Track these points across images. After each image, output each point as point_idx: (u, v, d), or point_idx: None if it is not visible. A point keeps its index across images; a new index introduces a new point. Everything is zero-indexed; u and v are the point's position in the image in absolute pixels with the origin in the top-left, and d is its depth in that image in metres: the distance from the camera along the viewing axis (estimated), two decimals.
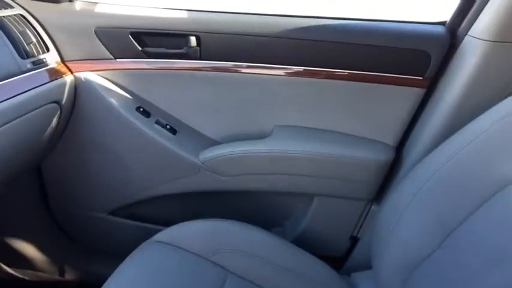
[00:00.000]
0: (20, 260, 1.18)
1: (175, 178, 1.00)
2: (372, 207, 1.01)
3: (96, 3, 0.93)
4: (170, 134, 0.96)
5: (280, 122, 0.96)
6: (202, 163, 0.96)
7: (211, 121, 0.99)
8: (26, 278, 1.22)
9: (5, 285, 1.20)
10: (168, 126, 0.96)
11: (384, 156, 0.91)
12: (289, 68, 0.90)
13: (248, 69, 0.90)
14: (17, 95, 0.77)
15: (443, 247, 0.65)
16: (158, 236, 0.87)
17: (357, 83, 0.87)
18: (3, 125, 0.75)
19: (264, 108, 0.95)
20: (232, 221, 0.90)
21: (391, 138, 0.93)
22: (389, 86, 0.87)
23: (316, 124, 0.95)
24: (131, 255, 0.82)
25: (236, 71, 0.91)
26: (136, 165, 1.00)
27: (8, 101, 0.75)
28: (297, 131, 0.95)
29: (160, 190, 1.03)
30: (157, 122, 0.96)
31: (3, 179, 0.91)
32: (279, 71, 0.90)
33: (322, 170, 0.93)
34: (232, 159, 0.94)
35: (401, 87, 0.87)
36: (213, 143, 1.00)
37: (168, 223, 1.05)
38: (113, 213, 1.11)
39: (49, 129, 0.91)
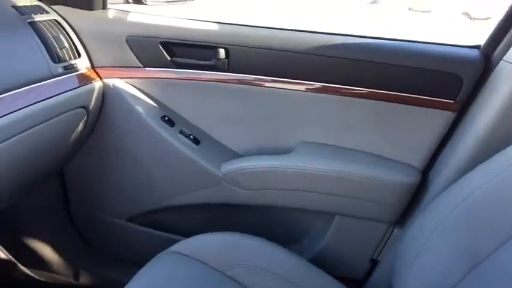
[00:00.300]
0: (37, 261, 1.19)
1: (195, 188, 0.99)
2: (395, 230, 0.98)
3: (129, 12, 0.94)
4: (193, 144, 0.96)
5: (305, 138, 0.95)
6: (224, 175, 0.96)
7: (235, 133, 0.98)
8: (42, 279, 1.22)
9: (21, 285, 1.21)
10: (191, 136, 0.96)
11: (409, 179, 0.89)
12: (317, 85, 0.89)
13: (275, 84, 0.90)
14: (47, 98, 0.78)
15: (470, 277, 0.62)
16: (176, 247, 0.86)
17: (387, 103, 0.86)
18: (32, 128, 0.76)
19: (289, 124, 0.94)
20: (251, 236, 0.89)
21: (418, 160, 0.91)
22: (419, 107, 0.85)
23: (342, 142, 0.93)
24: (148, 264, 0.82)
25: (263, 85, 0.90)
26: (158, 174, 1.00)
27: (38, 103, 0.76)
28: (322, 148, 0.93)
29: (180, 200, 1.02)
30: (181, 132, 0.96)
31: (28, 181, 0.92)
32: (306, 86, 0.89)
33: (346, 189, 0.92)
34: (254, 173, 0.94)
35: (431, 109, 0.85)
36: (236, 155, 0.99)
37: (185, 233, 1.05)
38: (131, 220, 1.11)
39: (75, 134, 0.92)
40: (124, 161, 1.00)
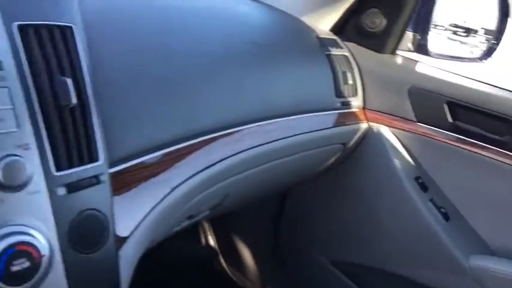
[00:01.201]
0: (235, 261, 1.27)
1: (429, 267, 0.87)
2: None
3: (417, 61, 0.90)
4: (442, 219, 0.84)
5: None
6: (470, 268, 0.80)
7: (498, 223, 0.82)
8: (232, 277, 1.30)
9: (212, 274, 1.31)
10: (442, 210, 0.84)
11: None
12: None
13: None
14: (320, 129, 0.79)
15: None
16: None
17: None
18: (291, 155, 0.76)
19: None
20: None
21: None
22: None
23: None
24: None
25: None
26: (391, 234, 0.91)
27: (309, 133, 0.78)
28: None
29: (403, 271, 0.91)
30: (431, 200, 0.85)
31: (263, 196, 0.97)
32: None
33: None
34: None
35: None
36: (488, 250, 0.83)
37: None
38: (335, 264, 1.05)
39: (321, 167, 0.92)
40: (357, 206, 0.96)
